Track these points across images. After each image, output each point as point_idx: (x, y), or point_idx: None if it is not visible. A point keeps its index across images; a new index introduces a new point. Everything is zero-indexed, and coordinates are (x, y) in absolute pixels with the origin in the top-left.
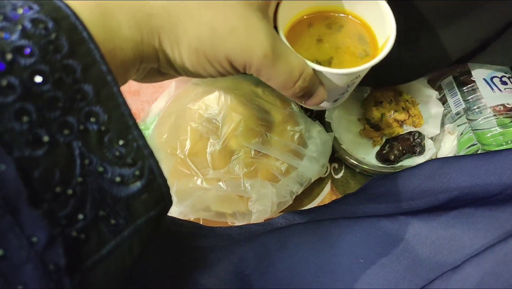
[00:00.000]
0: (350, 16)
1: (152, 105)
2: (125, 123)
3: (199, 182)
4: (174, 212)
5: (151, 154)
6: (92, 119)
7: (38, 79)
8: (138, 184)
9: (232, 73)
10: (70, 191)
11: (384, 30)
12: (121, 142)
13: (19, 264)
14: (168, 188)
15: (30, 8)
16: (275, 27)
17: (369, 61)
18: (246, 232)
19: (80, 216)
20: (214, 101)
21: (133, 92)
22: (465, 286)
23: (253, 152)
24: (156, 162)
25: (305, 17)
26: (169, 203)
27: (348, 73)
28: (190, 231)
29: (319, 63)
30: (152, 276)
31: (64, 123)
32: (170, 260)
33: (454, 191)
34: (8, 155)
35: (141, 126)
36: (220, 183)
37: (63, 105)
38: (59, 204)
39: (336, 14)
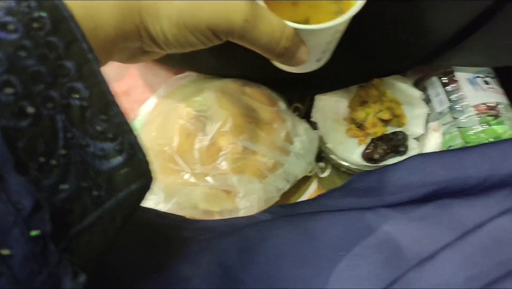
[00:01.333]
0: None
1: (142, 106)
2: (106, 99)
3: (186, 176)
4: (161, 209)
5: (131, 130)
6: (74, 94)
7: (23, 54)
8: (119, 158)
9: (215, 42)
10: (54, 162)
11: None
12: (102, 117)
13: (5, 229)
14: (148, 163)
15: None
16: None
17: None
18: (230, 224)
19: (64, 186)
20: (203, 99)
21: (123, 92)
22: (440, 272)
23: (240, 148)
24: (136, 138)
25: None
26: (150, 178)
27: (325, 27)
28: (174, 223)
29: None
30: (135, 268)
31: (48, 97)
32: (153, 252)
33: (433, 185)
34: None
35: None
36: (208, 178)
37: (47, 80)
38: (43, 173)
39: None
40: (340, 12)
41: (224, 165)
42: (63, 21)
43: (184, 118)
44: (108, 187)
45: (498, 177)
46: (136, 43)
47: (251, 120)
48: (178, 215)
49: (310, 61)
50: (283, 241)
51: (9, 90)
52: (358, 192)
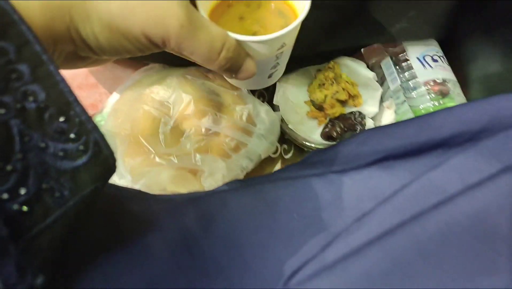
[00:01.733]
0: None
1: (109, 98)
2: (65, 100)
3: (151, 157)
4: None
5: (95, 127)
6: (30, 98)
7: None
8: (83, 158)
9: (152, 49)
10: (9, 167)
11: (301, 2)
12: (61, 118)
13: None
14: (115, 160)
15: None
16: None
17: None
18: (190, 196)
19: (23, 190)
20: (166, 86)
21: (91, 85)
22: (375, 222)
23: (203, 130)
24: (101, 135)
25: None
26: (114, 170)
27: (268, 39)
28: (132, 195)
29: None
30: (93, 242)
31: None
32: (113, 226)
33: (380, 153)
34: None
35: (99, 118)
36: (172, 158)
37: None
38: (1, 179)
39: None
40: (286, 25)
41: (188, 145)
42: (12, 25)
43: (149, 104)
44: (73, 186)
45: (435, 141)
46: (68, 46)
47: (213, 104)
48: (136, 189)
49: (262, 77)
50: (241, 206)
51: None
52: (312, 165)
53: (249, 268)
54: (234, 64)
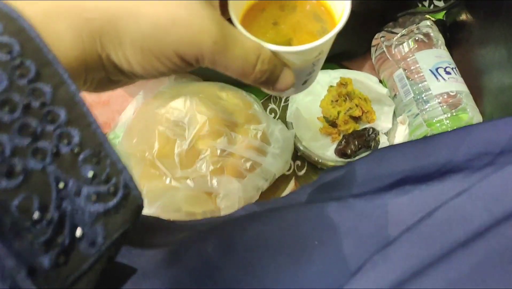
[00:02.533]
0: None
1: (121, 114)
2: (97, 141)
3: (168, 181)
4: (145, 213)
5: (124, 168)
6: (64, 141)
7: (7, 108)
8: (114, 200)
9: (185, 68)
10: (48, 216)
11: (339, 3)
12: (94, 160)
13: None
14: (142, 200)
15: None
16: (229, 20)
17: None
18: (209, 222)
19: (60, 239)
20: (180, 105)
21: (103, 102)
22: (400, 253)
23: (219, 151)
24: (130, 176)
25: (257, 2)
26: (141, 210)
27: (306, 49)
28: (154, 227)
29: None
30: (118, 276)
31: (36, 149)
32: (135, 259)
33: (398, 175)
34: None
35: (111, 135)
36: (188, 181)
37: (34, 131)
38: (39, 230)
39: None
40: (323, 31)
41: (203, 167)
42: (47, 65)
43: (163, 125)
44: (104, 230)
45: (454, 162)
46: (100, 73)
47: (228, 124)
48: (156, 217)
49: (297, 84)
50: (260, 233)
51: None
52: (328, 187)
53: None
54: (270, 76)
